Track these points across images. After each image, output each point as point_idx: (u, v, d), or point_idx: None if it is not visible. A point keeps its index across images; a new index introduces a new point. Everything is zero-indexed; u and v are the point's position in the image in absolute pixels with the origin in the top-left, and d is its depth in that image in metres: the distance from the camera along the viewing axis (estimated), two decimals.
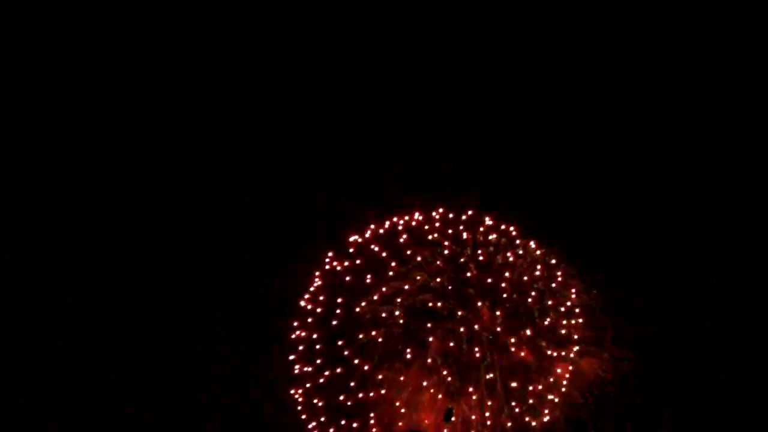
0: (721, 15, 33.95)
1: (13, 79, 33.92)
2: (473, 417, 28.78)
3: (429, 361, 29.00)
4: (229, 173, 34.09)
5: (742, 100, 33.77)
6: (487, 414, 28.81)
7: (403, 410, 29.11)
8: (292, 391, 30.31)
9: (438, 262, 29.74)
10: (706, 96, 33.80)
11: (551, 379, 29.05)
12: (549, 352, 29.17)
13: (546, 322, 29.26)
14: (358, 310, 29.79)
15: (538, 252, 29.91)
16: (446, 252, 29.75)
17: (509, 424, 28.73)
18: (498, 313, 29.22)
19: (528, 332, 29.15)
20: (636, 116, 34.05)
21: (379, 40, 34.28)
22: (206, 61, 34.60)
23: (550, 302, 29.50)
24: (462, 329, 29.16)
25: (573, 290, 29.84)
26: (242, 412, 32.17)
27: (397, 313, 29.46)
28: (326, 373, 29.87)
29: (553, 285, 29.70)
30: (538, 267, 29.67)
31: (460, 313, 29.24)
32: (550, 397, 29.06)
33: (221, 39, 34.61)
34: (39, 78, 34.19)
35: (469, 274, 29.57)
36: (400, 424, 29.19)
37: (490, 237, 29.97)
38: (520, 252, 29.79)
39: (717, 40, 33.98)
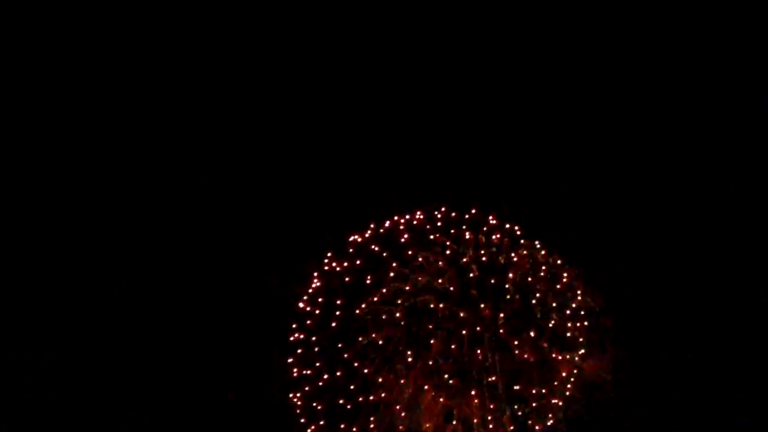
0: (720, 15, 33.94)
1: (13, 79, 33.98)
2: (474, 420, 28.37)
3: (430, 363, 28.63)
4: (227, 173, 34.00)
5: (742, 101, 33.78)
6: (489, 417, 28.43)
7: (403, 413, 28.73)
8: (291, 395, 29.88)
9: (440, 263, 29.31)
10: (708, 98, 33.77)
11: (555, 383, 28.64)
12: (553, 355, 28.74)
13: (550, 324, 28.84)
14: (357, 312, 29.37)
15: (542, 252, 29.47)
16: (448, 252, 29.32)
17: (511, 427, 28.31)
18: (501, 315, 28.76)
19: (531, 334, 28.73)
20: (639, 118, 33.97)
21: (379, 39, 34.23)
22: (206, 61, 34.55)
23: (554, 304, 29.07)
24: (464, 331, 28.70)
25: (578, 291, 29.39)
26: (240, 415, 31.97)
27: (397, 314, 29.02)
28: (325, 376, 29.47)
29: (558, 286, 29.27)
30: (543, 268, 29.23)
31: (462, 314, 28.78)
32: (554, 401, 28.64)
33: (221, 38, 34.58)
34: (39, 78, 34.23)
35: (471, 275, 29.12)
36: (401, 427, 28.83)
37: (494, 237, 29.55)
38: (524, 252, 29.36)
39: (716, 41, 34.02)
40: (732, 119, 33.73)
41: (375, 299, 29.25)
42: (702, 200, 33.06)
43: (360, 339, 29.22)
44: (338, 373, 29.31)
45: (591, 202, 32.64)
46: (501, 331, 28.68)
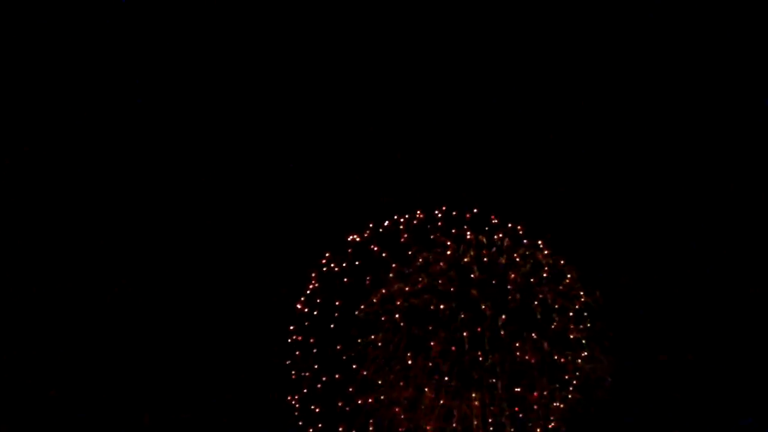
0: (719, 16, 34.01)
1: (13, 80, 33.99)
2: (474, 422, 28.29)
3: (430, 364, 28.53)
4: (225, 173, 34.02)
5: (743, 104, 33.87)
6: (489, 420, 28.39)
7: (402, 416, 28.69)
8: (289, 397, 29.87)
9: (441, 263, 29.19)
10: (707, 98, 33.86)
11: (556, 385, 28.65)
12: (555, 357, 28.67)
13: (552, 326, 28.80)
14: (357, 313, 29.30)
15: (545, 252, 29.41)
16: (449, 252, 29.20)
17: (512, 429, 28.27)
18: (503, 316, 28.64)
19: (533, 336, 28.69)
20: (639, 119, 34.04)
21: (378, 38, 34.26)
22: (205, 60, 34.60)
23: (556, 306, 28.99)
24: (465, 333, 28.56)
25: (581, 293, 29.34)
26: (238, 417, 32.08)
27: (397, 315, 28.92)
28: (324, 378, 29.45)
29: (561, 287, 29.26)
30: (545, 268, 29.15)
31: (462, 315, 28.65)
32: (555, 403, 28.61)
33: (221, 38, 34.64)
34: (39, 78, 34.22)
35: (472, 276, 29.00)
36: (400, 429, 28.78)
37: (495, 237, 29.46)
38: (526, 253, 29.31)
39: (715, 41, 34.08)
40: (732, 119, 33.78)
41: (374, 300, 29.14)
42: (702, 200, 33.18)
43: (359, 341, 29.14)
44: (337, 376, 29.30)
45: (593, 202, 32.76)
46: (502, 332, 28.51)
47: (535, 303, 28.76)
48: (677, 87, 33.99)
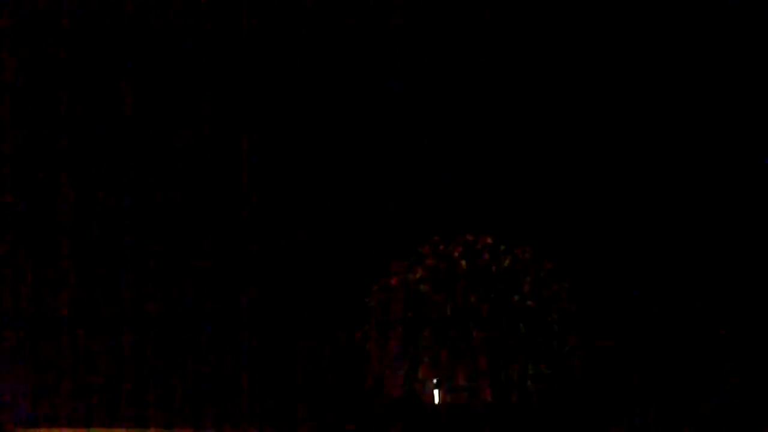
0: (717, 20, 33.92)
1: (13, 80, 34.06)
2: (461, 387, 31.50)
3: (424, 346, 31.75)
4: (237, 174, 34.90)
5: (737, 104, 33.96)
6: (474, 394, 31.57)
7: (401, 387, 32.02)
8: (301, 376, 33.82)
9: (435, 258, 32.44)
10: (703, 100, 34.01)
11: (530, 362, 31.44)
12: (533, 338, 31.56)
13: (531, 311, 31.65)
14: (367, 300, 32.80)
15: (524, 248, 32.45)
16: (441, 247, 32.50)
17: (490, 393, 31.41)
18: (486, 304, 31.73)
19: (514, 321, 31.63)
20: (630, 124, 34.60)
21: (379, 42, 34.87)
22: (215, 64, 34.72)
23: (533, 293, 31.94)
24: (454, 322, 31.78)
25: (556, 285, 32.26)
26: (256, 403, 34.29)
27: (395, 303, 32.26)
28: (332, 359, 33.50)
29: (537, 279, 32.22)
30: (523, 261, 32.22)
31: (452, 303, 31.91)
32: (529, 378, 31.53)
33: (234, 43, 34.72)
34: (39, 78, 34.27)
35: (460, 270, 32.19)
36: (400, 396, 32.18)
37: (480, 236, 32.72)
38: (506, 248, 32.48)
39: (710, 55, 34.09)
40: (725, 123, 33.93)
41: (375, 290, 32.69)
42: (689, 203, 33.93)
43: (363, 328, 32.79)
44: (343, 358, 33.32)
45: (575, 203, 34.40)
46: (486, 317, 31.60)
47: (515, 291, 31.85)
48: (673, 89, 34.17)
